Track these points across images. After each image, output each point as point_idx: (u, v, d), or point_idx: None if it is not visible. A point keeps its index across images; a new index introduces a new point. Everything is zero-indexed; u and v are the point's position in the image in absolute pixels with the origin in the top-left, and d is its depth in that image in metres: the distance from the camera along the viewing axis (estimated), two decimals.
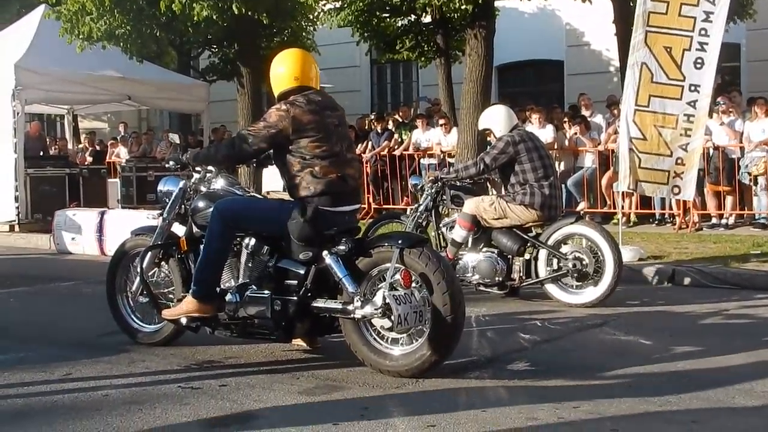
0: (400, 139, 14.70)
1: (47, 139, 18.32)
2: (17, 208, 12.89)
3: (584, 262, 6.97)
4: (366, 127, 15.93)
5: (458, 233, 7.18)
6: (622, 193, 9.62)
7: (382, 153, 14.44)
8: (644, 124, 8.46)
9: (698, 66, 8.21)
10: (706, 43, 8.17)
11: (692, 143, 8.37)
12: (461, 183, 7.60)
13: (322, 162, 4.83)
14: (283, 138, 4.85)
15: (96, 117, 22.37)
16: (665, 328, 6.20)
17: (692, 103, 8.30)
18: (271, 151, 5.06)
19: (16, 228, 12.92)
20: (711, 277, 7.96)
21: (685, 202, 10.79)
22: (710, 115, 10.95)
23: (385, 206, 13.77)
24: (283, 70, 5.03)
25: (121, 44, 13.66)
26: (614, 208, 11.59)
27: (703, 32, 8.16)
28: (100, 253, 10.88)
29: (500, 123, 7.37)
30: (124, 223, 9.84)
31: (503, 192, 7.46)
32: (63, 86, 13.81)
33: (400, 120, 15.67)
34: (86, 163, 16.65)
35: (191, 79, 17.14)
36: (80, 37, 13.24)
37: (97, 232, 11.12)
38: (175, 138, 5.50)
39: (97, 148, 18.40)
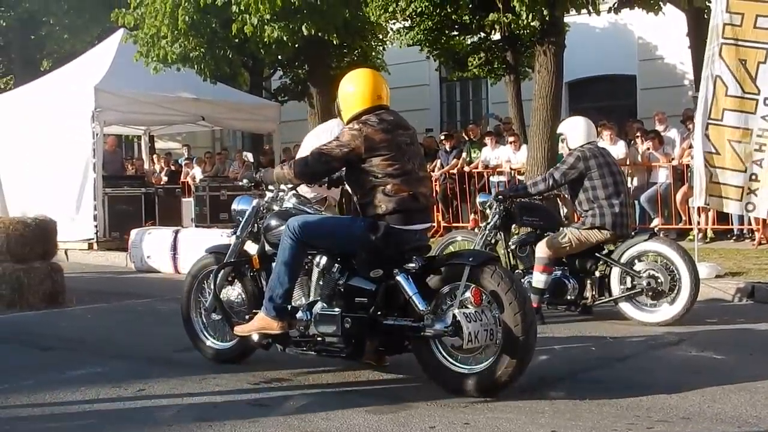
0: (468, 158, 14.66)
1: (123, 157, 18.81)
2: (95, 226, 13.23)
3: (659, 280, 6.84)
4: (435, 146, 15.93)
5: (539, 279, 6.95)
6: (698, 208, 9.41)
7: (451, 171, 14.42)
8: (717, 139, 8.26)
9: None
10: None
11: (767, 159, 8.14)
12: (530, 200, 7.52)
13: (393, 180, 4.85)
14: (356, 157, 4.87)
15: (171, 137, 22.87)
16: (745, 346, 6.04)
17: (766, 117, 8.08)
18: (343, 169, 5.10)
19: (95, 246, 13.26)
20: None
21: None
22: None
23: (454, 224, 13.73)
24: (359, 90, 5.04)
25: (195, 66, 13.98)
26: (690, 224, 11.35)
27: None
28: (174, 271, 11.09)
29: (576, 133, 7.27)
30: (197, 242, 10.01)
31: (573, 208, 7.36)
32: (139, 108, 14.15)
33: (468, 138, 15.63)
34: (161, 182, 17.02)
35: (262, 100, 17.40)
36: (155, 60, 13.60)
37: (171, 250, 11.32)
38: (248, 156, 5.61)
39: (172, 168, 18.80)
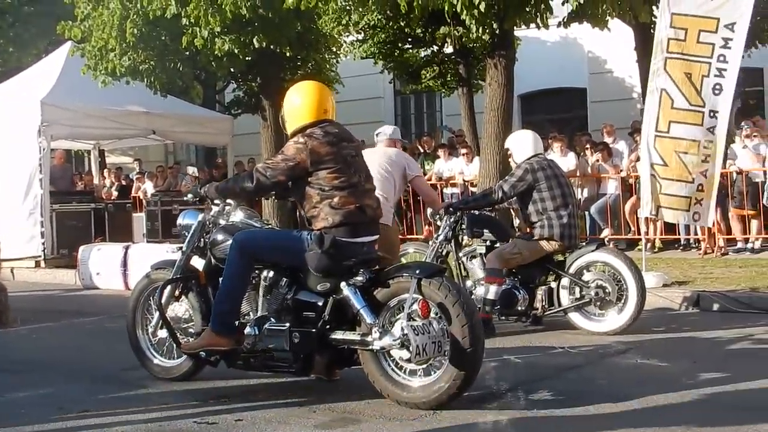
0: (421, 170, 14.69)
1: (73, 172, 18.53)
2: (43, 243, 12.96)
3: (606, 290, 6.91)
4: None
5: (489, 290, 6.95)
6: (646, 218, 9.54)
7: None
8: (665, 150, 8.41)
9: (717, 92, 8.17)
10: (725, 69, 8.13)
11: (711, 169, 8.30)
12: (480, 211, 7.55)
13: (340, 193, 4.85)
14: (302, 170, 4.87)
15: (122, 152, 22.61)
16: (690, 354, 6.12)
17: (711, 129, 8.25)
18: (290, 183, 5.07)
19: (42, 264, 12.99)
20: (737, 302, 7.87)
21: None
22: (733, 139, 10.87)
23: (408, 236, 13.74)
24: (304, 103, 5.05)
25: (145, 79, 13.83)
26: (638, 234, 11.50)
27: (721, 58, 8.12)
28: (124, 288, 10.89)
29: (521, 147, 7.33)
30: (148, 258, 9.81)
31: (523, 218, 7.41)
32: (88, 122, 13.93)
33: (422, 150, 15.69)
34: (112, 197, 16.79)
35: (215, 113, 17.29)
36: (103, 73, 13.42)
37: (121, 266, 11.16)
38: (194, 171, 5.55)
39: (123, 182, 18.57)
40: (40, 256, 13.01)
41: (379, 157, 6.92)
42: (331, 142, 4.90)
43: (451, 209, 7.51)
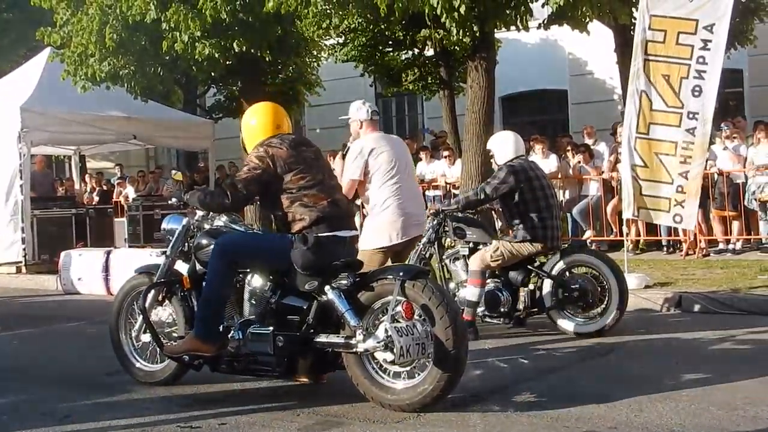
0: None
1: (54, 177, 18.42)
2: (24, 249, 12.87)
3: (589, 291, 6.93)
4: None
5: (472, 293, 6.96)
6: (627, 220, 9.59)
7: None
8: (645, 152, 8.45)
9: (696, 94, 8.20)
10: (705, 71, 8.15)
11: (692, 171, 8.33)
12: (463, 214, 7.57)
13: (309, 191, 4.96)
14: (269, 176, 4.96)
15: (103, 157, 22.50)
16: (672, 356, 6.15)
17: (691, 131, 8.28)
18: (258, 198, 5.16)
19: (23, 269, 12.90)
20: (718, 303, 7.91)
21: None
22: (713, 140, 10.94)
23: None
24: (259, 121, 5.23)
25: (125, 84, 13.78)
26: (621, 235, 11.55)
27: (701, 60, 8.14)
28: (106, 293, 10.83)
29: (502, 149, 7.33)
30: (130, 262, 9.80)
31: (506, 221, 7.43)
32: (68, 127, 13.86)
33: None
34: (93, 203, 16.70)
35: (196, 117, 17.24)
36: (83, 78, 13.36)
37: (103, 271, 11.10)
38: (177, 175, 5.54)
39: (104, 187, 18.48)
40: (20, 262, 12.92)
41: (407, 153, 6.91)
42: (290, 146, 5.04)
43: (433, 212, 7.53)
